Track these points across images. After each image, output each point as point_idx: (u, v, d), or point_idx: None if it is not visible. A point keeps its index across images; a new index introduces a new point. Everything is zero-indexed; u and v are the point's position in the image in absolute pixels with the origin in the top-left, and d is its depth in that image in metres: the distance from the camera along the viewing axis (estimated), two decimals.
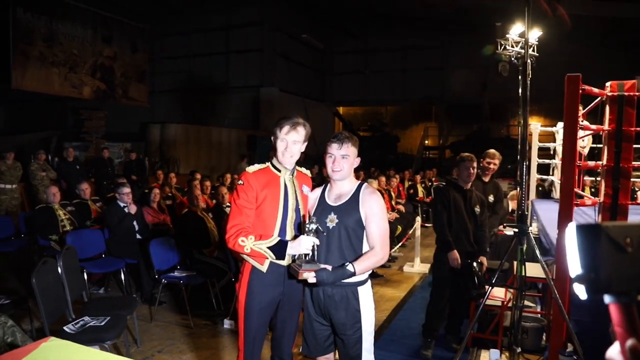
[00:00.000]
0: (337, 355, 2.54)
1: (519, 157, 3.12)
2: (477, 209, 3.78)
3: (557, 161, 6.50)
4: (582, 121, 3.48)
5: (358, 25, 18.72)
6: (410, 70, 19.66)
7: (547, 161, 6.95)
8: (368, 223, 2.30)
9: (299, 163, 2.52)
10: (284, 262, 2.30)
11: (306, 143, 2.44)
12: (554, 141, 6.99)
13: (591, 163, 3.57)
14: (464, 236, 3.73)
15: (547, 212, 4.91)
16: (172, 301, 4.96)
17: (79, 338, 2.87)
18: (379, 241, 2.28)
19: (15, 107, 13.82)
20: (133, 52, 15.50)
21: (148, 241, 4.58)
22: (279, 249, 2.23)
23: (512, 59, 7.82)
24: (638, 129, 3.35)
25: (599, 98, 3.55)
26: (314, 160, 14.22)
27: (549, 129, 7.28)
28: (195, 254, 4.89)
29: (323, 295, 2.33)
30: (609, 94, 3.30)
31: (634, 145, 3.37)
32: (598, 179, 4.15)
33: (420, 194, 10.86)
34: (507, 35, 7.72)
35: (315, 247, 2.20)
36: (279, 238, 2.28)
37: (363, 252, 2.30)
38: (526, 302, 3.81)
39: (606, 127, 3.32)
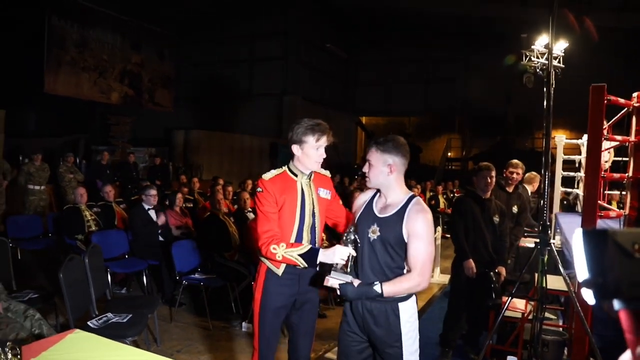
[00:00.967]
0: None
1: (543, 164, 3.09)
2: (496, 219, 3.74)
3: (582, 174, 6.39)
4: (607, 133, 3.44)
5: (382, 35, 18.80)
6: (434, 81, 19.59)
7: (572, 174, 6.84)
8: (409, 243, 2.10)
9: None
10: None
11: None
12: (580, 154, 6.88)
13: (616, 175, 3.52)
14: (482, 246, 3.70)
15: (570, 225, 4.84)
16: (191, 303, 5.02)
17: (101, 333, 2.93)
18: (417, 266, 2.07)
19: (45, 111, 14.26)
20: (160, 59, 15.87)
21: (170, 243, 4.67)
22: (311, 257, 2.23)
23: (537, 70, 7.73)
24: None
25: (625, 109, 3.51)
26: (336, 170, 14.27)
27: (575, 141, 7.17)
28: (216, 257, 4.96)
29: (362, 308, 2.18)
30: (636, 104, 3.26)
31: None
32: (624, 192, 4.08)
33: (442, 205, 10.78)
34: (533, 47, 7.64)
35: (351, 257, 2.13)
36: (310, 246, 2.28)
37: (404, 270, 2.15)
38: (548, 315, 3.75)
39: (632, 138, 3.28)
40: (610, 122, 3.81)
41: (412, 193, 2.25)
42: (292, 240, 2.34)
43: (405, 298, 2.14)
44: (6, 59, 12.14)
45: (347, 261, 2.12)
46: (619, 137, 3.40)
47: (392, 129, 21.28)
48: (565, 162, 6.73)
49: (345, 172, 13.58)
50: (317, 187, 2.46)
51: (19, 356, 1.79)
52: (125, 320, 3.23)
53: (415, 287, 2.09)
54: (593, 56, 12.87)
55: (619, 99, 3.24)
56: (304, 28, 17.29)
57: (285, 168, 2.44)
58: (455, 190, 12.84)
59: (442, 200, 11.02)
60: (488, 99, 17.69)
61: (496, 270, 3.66)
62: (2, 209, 7.52)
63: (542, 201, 3.08)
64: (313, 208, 2.41)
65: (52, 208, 8.36)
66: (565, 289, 3.09)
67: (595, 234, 0.54)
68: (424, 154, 20.37)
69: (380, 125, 22.24)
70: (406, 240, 2.11)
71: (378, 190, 2.27)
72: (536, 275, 3.49)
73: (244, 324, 4.34)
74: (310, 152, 2.34)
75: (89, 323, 3.14)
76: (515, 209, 4.31)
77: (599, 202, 3.27)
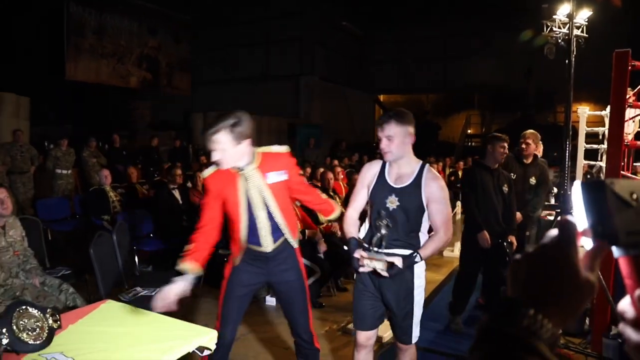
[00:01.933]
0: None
1: (564, 135, 3.06)
2: (505, 188, 3.75)
3: (605, 146, 6.28)
4: (632, 101, 3.37)
5: (397, 12, 18.48)
6: (451, 57, 19.21)
7: (595, 146, 6.72)
8: (431, 208, 2.27)
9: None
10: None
11: (246, 140, 2.21)
12: (604, 126, 6.74)
13: None
14: (493, 216, 3.72)
15: None
16: (217, 279, 5.14)
17: (131, 305, 3.06)
18: (442, 226, 2.27)
19: (67, 98, 14.53)
20: (176, 42, 15.94)
21: (194, 222, 4.78)
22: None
23: (559, 41, 7.54)
24: None
25: None
26: (355, 149, 14.24)
27: (599, 112, 7.02)
28: None
29: None
30: None
31: None
32: None
33: None
34: (554, 17, 7.45)
35: (384, 234, 2.20)
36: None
37: (421, 233, 2.32)
38: None
39: None
40: (636, 90, 3.74)
41: (421, 161, 2.36)
42: (245, 233, 2.35)
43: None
44: (27, 47, 12.35)
45: (381, 240, 2.20)
46: None
47: (410, 106, 21.01)
48: (588, 135, 6.61)
49: (365, 151, 13.55)
50: (265, 172, 2.30)
51: (58, 322, 1.89)
52: (154, 294, 3.33)
53: (444, 244, 2.32)
54: (615, 26, 12.47)
55: None
56: (319, 7, 17.10)
57: None
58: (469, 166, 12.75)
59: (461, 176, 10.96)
60: (508, 74, 17.33)
61: (508, 240, 3.69)
62: (31, 193, 7.77)
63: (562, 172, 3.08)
64: (264, 197, 2.30)
65: (78, 191, 8.59)
66: None
67: (594, 185, 0.56)
68: (443, 130, 20.14)
69: (398, 103, 22.03)
70: (425, 206, 2.25)
71: (385, 162, 2.36)
72: None
73: (267, 297, 4.45)
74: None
75: (119, 296, 3.27)
76: (533, 180, 4.28)
77: (622, 172, 3.23)
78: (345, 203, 4.77)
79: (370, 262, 2.17)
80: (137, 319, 2.17)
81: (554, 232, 0.57)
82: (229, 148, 2.15)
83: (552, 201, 5.96)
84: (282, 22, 17.16)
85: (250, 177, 2.27)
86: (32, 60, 12.48)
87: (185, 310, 4.04)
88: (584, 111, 6.56)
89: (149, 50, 14.96)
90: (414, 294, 2.36)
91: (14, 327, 1.75)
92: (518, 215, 4.18)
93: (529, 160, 4.32)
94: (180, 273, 2.23)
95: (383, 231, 2.19)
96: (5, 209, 3.09)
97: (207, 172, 2.34)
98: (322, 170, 6.31)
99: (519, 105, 17.45)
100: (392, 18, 19.15)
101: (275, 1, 16.80)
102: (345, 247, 2.44)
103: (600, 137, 6.92)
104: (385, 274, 2.17)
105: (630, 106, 3.35)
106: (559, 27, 6.93)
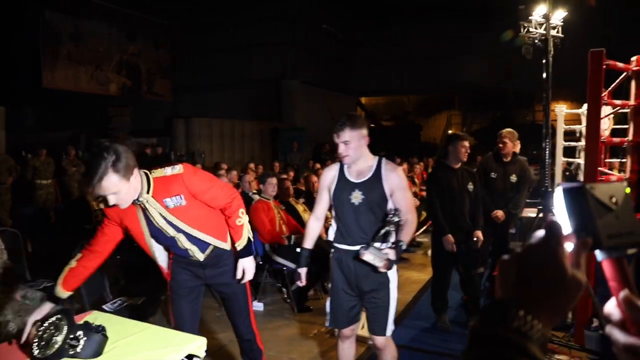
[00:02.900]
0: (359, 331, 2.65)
1: (543, 131, 3.12)
2: (470, 186, 3.80)
3: (583, 144, 6.41)
4: (606, 99, 3.45)
5: (378, 14, 18.63)
6: (432, 58, 19.40)
7: (573, 144, 6.86)
8: (396, 196, 2.41)
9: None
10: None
11: (134, 171, 2.02)
12: (580, 124, 6.88)
13: (616, 139, 3.55)
14: (460, 215, 3.76)
15: None
16: None
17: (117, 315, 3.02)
18: (410, 210, 2.42)
19: (44, 106, 14.28)
20: (157, 48, 15.80)
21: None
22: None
23: (536, 41, 7.70)
24: None
25: (624, 74, 3.52)
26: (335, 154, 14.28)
27: (575, 111, 7.17)
28: None
29: (353, 265, 2.43)
30: (635, 68, 3.27)
31: None
32: (624, 160, 4.11)
33: None
34: (530, 17, 7.60)
35: (391, 230, 2.31)
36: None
37: (379, 227, 2.40)
38: None
39: (632, 102, 3.29)
40: (610, 88, 3.82)
41: (377, 156, 2.51)
42: (160, 256, 2.37)
43: None
44: (2, 55, 12.11)
45: (387, 236, 2.32)
46: (618, 102, 3.41)
47: (392, 107, 21.22)
48: (566, 133, 6.73)
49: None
50: (161, 199, 2.13)
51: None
52: (139, 303, 3.31)
53: (414, 226, 2.45)
54: (591, 26, 12.75)
55: (617, 63, 3.25)
56: (300, 10, 17.14)
57: None
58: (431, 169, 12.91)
59: None
60: (487, 75, 17.59)
61: (474, 239, 3.73)
62: (9, 204, 7.61)
63: (543, 170, 3.14)
64: (171, 222, 2.16)
65: (58, 201, 8.45)
66: None
67: (574, 190, 0.57)
68: (425, 131, 20.35)
69: (380, 105, 22.18)
70: (388, 196, 2.40)
71: (342, 163, 2.50)
72: None
73: (255, 302, 4.43)
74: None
75: (104, 307, 3.22)
76: (514, 177, 4.35)
77: (599, 168, 3.31)
78: None
79: (372, 259, 2.23)
80: (125, 329, 2.14)
81: (540, 232, 0.58)
82: (122, 188, 1.96)
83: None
84: (263, 26, 17.15)
85: (148, 205, 2.12)
86: (7, 68, 12.24)
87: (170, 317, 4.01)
88: (561, 110, 6.69)
89: (128, 57, 14.80)
90: (390, 288, 2.46)
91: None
92: (500, 213, 4.25)
93: (508, 159, 4.39)
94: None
95: (392, 228, 2.29)
96: None
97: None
98: (306, 173, 6.31)
99: (498, 105, 17.72)
100: (373, 21, 19.31)
101: (256, 5, 16.78)
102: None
103: (578, 134, 7.08)
104: (383, 270, 2.26)
105: (606, 104, 3.43)
106: (535, 28, 7.06)
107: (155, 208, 2.13)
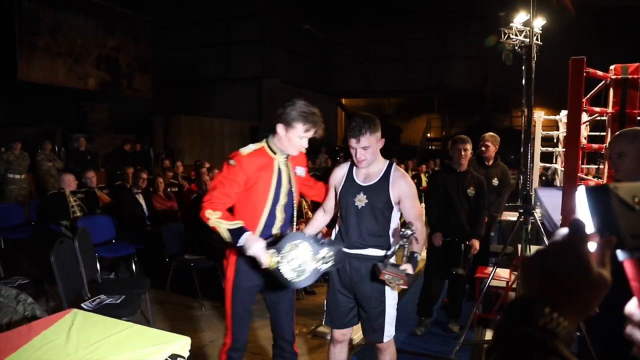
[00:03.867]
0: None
1: (522, 137, 3.18)
2: (471, 192, 3.78)
3: (560, 149, 6.56)
4: (585, 106, 3.54)
5: (358, 15, 18.69)
6: (411, 61, 19.59)
7: (550, 149, 7.01)
8: (404, 204, 2.35)
9: None
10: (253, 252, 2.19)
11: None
12: (557, 130, 7.05)
13: (595, 145, 3.64)
14: (453, 218, 3.74)
15: (550, 199, 5.00)
16: (182, 285, 5.04)
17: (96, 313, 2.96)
18: (418, 219, 2.35)
19: (17, 99, 13.88)
20: (136, 43, 15.53)
21: (157, 227, 4.68)
22: (237, 235, 2.17)
23: (516, 48, 7.79)
24: None
25: (602, 82, 3.62)
26: (318, 152, 14.29)
27: (552, 117, 7.34)
28: (204, 238, 4.98)
29: (350, 268, 2.39)
30: (613, 77, 3.36)
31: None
32: (601, 166, 4.22)
33: (424, 184, 10.95)
34: (511, 24, 7.70)
35: (404, 249, 2.21)
36: (241, 224, 2.19)
37: (390, 231, 2.36)
38: None
39: (610, 109, 3.39)
40: (588, 96, 3.92)
41: (388, 160, 2.43)
42: (264, 217, 2.30)
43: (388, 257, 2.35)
44: None
45: (404, 250, 2.22)
46: (597, 109, 3.50)
47: (372, 109, 21.28)
48: (543, 138, 6.89)
49: (328, 154, 13.62)
50: (294, 165, 2.43)
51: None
52: (119, 301, 3.25)
53: (425, 236, 2.41)
54: (568, 35, 13.06)
55: (597, 71, 3.34)
56: (280, 10, 17.09)
57: (264, 143, 2.36)
58: (436, 169, 13.04)
59: (424, 178, 11.19)
60: (466, 79, 17.84)
61: (467, 243, 3.70)
62: None
63: (522, 176, 3.19)
64: (290, 187, 2.38)
65: (32, 196, 8.23)
66: None
67: (598, 190, 0.57)
68: (405, 134, 20.52)
69: (360, 107, 22.25)
70: (394, 204, 2.32)
71: (352, 163, 2.42)
72: (519, 245, 3.62)
73: None
74: (294, 139, 2.26)
75: (82, 305, 3.15)
76: (495, 181, 4.42)
77: (579, 175, 3.38)
78: (314, 206, 4.78)
79: (391, 278, 2.17)
80: (106, 328, 2.10)
81: (563, 230, 0.58)
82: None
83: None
84: (243, 23, 17.05)
85: (284, 165, 2.36)
86: None
87: (150, 316, 3.95)
88: (539, 115, 6.86)
89: (107, 51, 14.50)
90: (386, 294, 2.40)
91: None
92: None
93: (491, 162, 4.46)
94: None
95: (406, 242, 2.20)
96: None
97: (247, 149, 2.30)
98: None
99: (477, 109, 17.97)
100: (353, 21, 19.37)
101: (236, 3, 16.66)
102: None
103: (555, 140, 7.25)
104: (404, 287, 2.21)
105: (585, 111, 3.52)
106: (516, 35, 7.18)
107: (288, 170, 2.38)
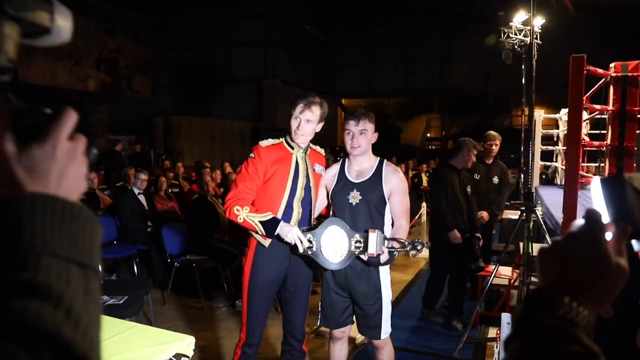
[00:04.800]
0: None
1: (523, 135, 3.19)
2: (469, 189, 3.92)
3: (560, 147, 6.57)
4: (585, 104, 3.55)
5: (360, 16, 18.71)
6: (413, 62, 19.56)
7: (550, 148, 7.02)
8: (393, 199, 2.38)
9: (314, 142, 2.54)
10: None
11: (322, 123, 2.42)
12: (557, 129, 7.05)
13: (595, 143, 3.64)
14: (459, 215, 3.85)
15: (550, 197, 5.00)
16: (184, 286, 5.05)
17: None
18: (404, 214, 2.39)
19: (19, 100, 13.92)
20: (137, 44, 15.54)
21: (159, 227, 4.68)
22: (271, 226, 2.23)
23: (516, 47, 7.81)
24: None
25: (602, 80, 3.62)
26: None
27: (552, 116, 7.34)
28: (206, 239, 4.98)
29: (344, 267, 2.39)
30: (613, 74, 3.36)
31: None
32: (602, 165, 4.22)
33: (425, 183, 10.96)
34: (511, 23, 7.71)
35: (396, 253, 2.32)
36: (271, 215, 2.26)
37: (384, 226, 2.39)
38: (534, 280, 3.90)
39: (610, 107, 3.39)
40: (588, 94, 3.93)
41: (379, 157, 2.47)
42: (281, 210, 2.33)
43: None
44: None
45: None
46: (597, 107, 3.51)
47: (372, 110, 20.80)
48: (543, 137, 6.90)
49: (329, 154, 13.60)
50: (313, 162, 2.48)
51: None
52: (122, 302, 3.25)
53: (407, 232, 2.41)
54: (567, 34, 13.07)
55: (597, 69, 3.34)
56: (282, 10, 17.09)
57: (282, 139, 2.44)
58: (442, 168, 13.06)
59: (424, 178, 11.19)
60: (467, 79, 17.83)
61: (476, 235, 3.82)
62: None
63: (522, 175, 3.21)
64: (308, 182, 2.41)
65: None
66: None
67: (613, 180, 0.58)
68: (404, 134, 20.52)
69: (361, 107, 22.18)
70: (387, 198, 2.36)
71: (343, 162, 2.48)
72: (521, 244, 3.62)
73: (238, 302, 4.39)
74: (291, 121, 2.36)
75: None
76: (495, 179, 4.43)
77: (580, 172, 3.39)
78: None
79: (374, 243, 2.21)
80: (111, 328, 2.11)
81: (580, 221, 0.58)
82: (315, 121, 2.35)
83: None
84: (245, 24, 17.04)
85: (302, 160, 2.40)
86: None
87: (152, 317, 3.96)
88: (539, 114, 6.86)
89: (107, 52, 14.52)
90: (382, 291, 2.43)
91: None
92: (484, 214, 4.32)
93: (491, 161, 4.47)
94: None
95: (404, 250, 2.29)
96: None
97: (266, 142, 2.38)
98: None
99: (477, 109, 17.97)
100: (355, 23, 19.37)
101: (237, 3, 16.66)
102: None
103: (555, 138, 7.26)
104: (384, 259, 2.25)
105: (585, 109, 3.52)
106: (515, 34, 7.18)
107: (306, 165, 2.42)
